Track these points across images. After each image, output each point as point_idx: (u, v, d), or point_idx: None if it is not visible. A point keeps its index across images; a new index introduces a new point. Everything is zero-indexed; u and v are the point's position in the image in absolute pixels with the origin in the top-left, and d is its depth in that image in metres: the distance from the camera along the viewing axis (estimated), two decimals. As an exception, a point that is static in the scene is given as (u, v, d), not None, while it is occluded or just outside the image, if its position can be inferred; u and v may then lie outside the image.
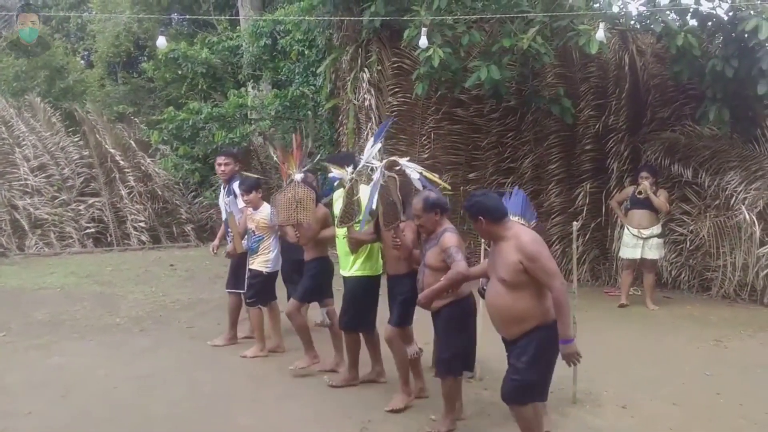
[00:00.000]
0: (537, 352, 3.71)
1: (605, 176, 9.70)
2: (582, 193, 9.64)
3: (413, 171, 4.68)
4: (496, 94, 9.03)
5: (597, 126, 9.71)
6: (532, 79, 9.56)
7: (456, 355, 4.47)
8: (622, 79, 9.61)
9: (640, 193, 8.10)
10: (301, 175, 5.26)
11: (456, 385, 4.55)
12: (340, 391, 5.25)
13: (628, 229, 8.23)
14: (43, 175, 12.84)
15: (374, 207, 4.62)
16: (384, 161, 4.71)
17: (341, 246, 5.26)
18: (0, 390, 5.17)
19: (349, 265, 5.24)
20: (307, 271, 5.65)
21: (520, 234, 3.71)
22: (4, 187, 12.39)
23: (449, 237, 4.37)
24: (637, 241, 8.09)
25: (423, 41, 7.80)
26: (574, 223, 5.52)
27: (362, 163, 4.83)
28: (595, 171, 9.80)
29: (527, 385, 3.77)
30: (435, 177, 4.78)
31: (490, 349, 5.58)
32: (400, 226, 4.69)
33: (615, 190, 9.36)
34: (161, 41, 9.49)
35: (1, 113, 13.31)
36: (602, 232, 9.71)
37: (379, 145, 4.89)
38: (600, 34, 7.44)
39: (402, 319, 4.92)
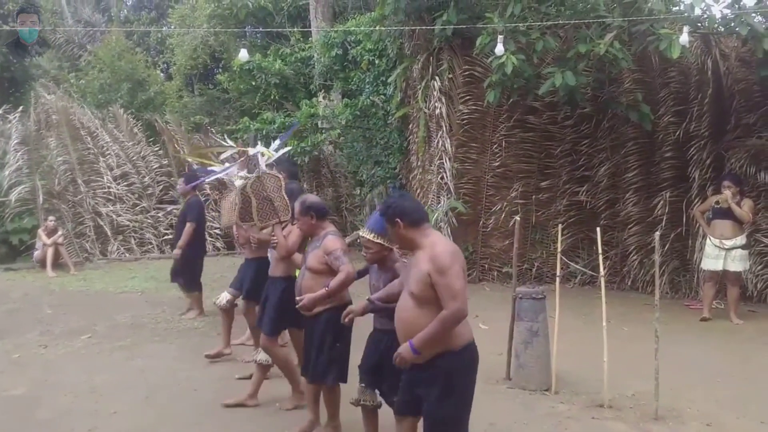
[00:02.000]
0: (447, 383, 3.27)
1: (686, 185, 9.35)
2: (661, 202, 9.32)
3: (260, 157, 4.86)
4: (571, 101, 8.87)
5: (678, 133, 9.37)
6: (608, 85, 9.33)
7: (333, 360, 4.27)
8: (705, 84, 9.24)
9: (717, 203, 7.78)
10: (241, 181, 4.98)
11: (336, 391, 4.39)
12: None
13: (710, 239, 7.92)
14: (125, 183, 13.42)
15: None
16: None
17: None
18: (87, 390, 5.40)
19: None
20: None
21: (436, 243, 3.32)
22: (89, 194, 12.99)
23: (332, 240, 4.27)
24: (720, 252, 7.77)
25: (499, 48, 7.74)
26: (657, 233, 5.30)
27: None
28: (676, 179, 9.46)
29: (441, 422, 3.30)
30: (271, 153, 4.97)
31: (566, 363, 5.49)
32: (284, 227, 4.79)
33: (697, 200, 9.02)
34: (243, 53, 9.81)
35: (87, 124, 13.94)
36: (683, 243, 9.36)
37: (284, 150, 5.17)
38: (684, 38, 7.20)
39: (272, 327, 4.89)
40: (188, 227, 7.62)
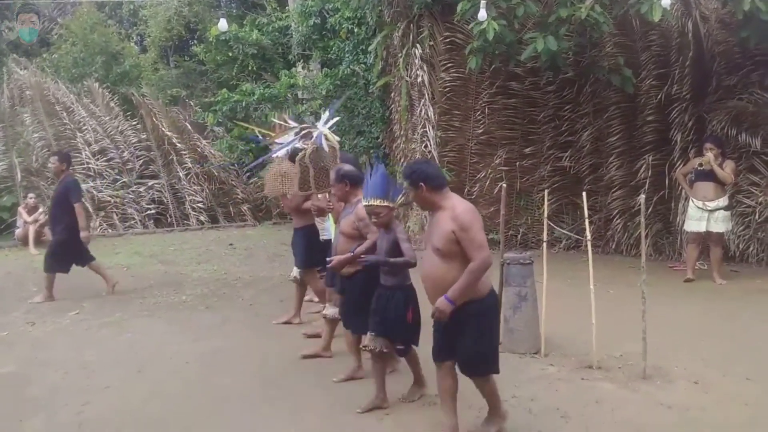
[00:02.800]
0: (484, 324, 3.79)
1: (668, 148, 9.40)
2: (644, 166, 9.39)
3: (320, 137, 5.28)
4: (553, 66, 8.85)
5: (659, 96, 9.40)
6: (590, 49, 9.33)
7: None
8: (686, 46, 9.25)
9: (700, 165, 7.85)
10: (284, 151, 5.62)
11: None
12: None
13: (693, 201, 8.00)
14: (104, 158, 13.22)
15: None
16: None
17: None
18: (79, 366, 5.37)
19: None
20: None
21: (456, 204, 3.70)
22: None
23: (363, 208, 4.34)
24: (702, 214, 7.86)
25: (482, 14, 7.66)
26: (642, 196, 5.33)
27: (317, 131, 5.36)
28: (658, 143, 9.51)
29: (486, 356, 3.85)
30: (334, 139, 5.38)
31: (554, 327, 5.56)
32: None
33: (679, 162, 9.09)
34: (222, 23, 9.65)
35: (62, 99, 13.70)
36: (665, 206, 9.45)
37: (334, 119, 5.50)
38: (666, 0, 7.17)
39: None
40: (78, 207, 7.53)
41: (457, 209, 3.64)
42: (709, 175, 7.81)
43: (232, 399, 4.66)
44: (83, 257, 7.72)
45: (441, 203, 3.72)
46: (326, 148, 5.32)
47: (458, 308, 3.65)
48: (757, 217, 8.66)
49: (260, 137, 6.73)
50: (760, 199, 8.63)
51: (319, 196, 5.54)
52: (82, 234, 7.58)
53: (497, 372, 3.93)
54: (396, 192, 4.21)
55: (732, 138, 8.90)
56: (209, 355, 5.57)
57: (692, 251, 8.10)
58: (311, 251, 6.08)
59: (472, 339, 3.73)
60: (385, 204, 4.14)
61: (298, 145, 5.45)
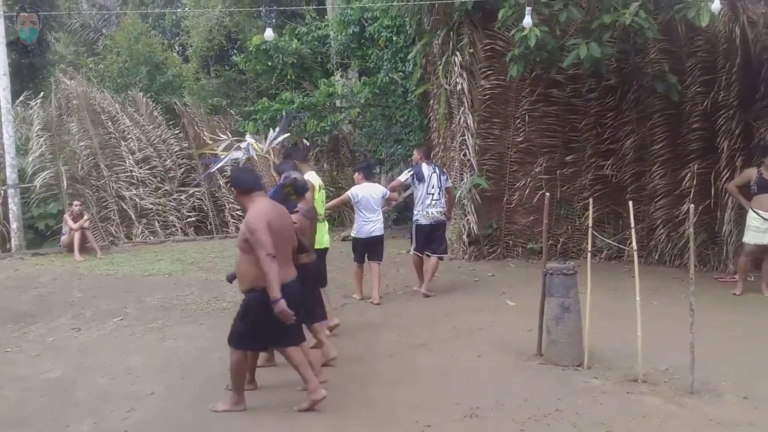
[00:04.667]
0: (246, 309, 4.49)
1: (714, 156, 9.15)
2: (689, 175, 9.17)
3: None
4: (596, 73, 8.74)
5: (705, 103, 9.17)
6: (634, 55, 9.15)
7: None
8: (733, 52, 9.01)
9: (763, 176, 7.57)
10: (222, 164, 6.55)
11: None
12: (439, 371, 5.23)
13: (756, 213, 7.65)
14: (147, 166, 13.50)
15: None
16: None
17: None
18: (123, 372, 5.47)
19: None
20: None
21: (252, 208, 4.36)
22: (112, 179, 13.09)
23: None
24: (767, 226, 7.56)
25: (527, 21, 7.58)
26: (690, 205, 5.21)
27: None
28: (704, 151, 9.26)
29: (235, 333, 4.53)
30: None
31: (597, 339, 5.46)
32: None
33: (726, 171, 8.87)
34: (269, 33, 9.79)
35: (108, 108, 14.01)
36: (711, 215, 9.21)
37: (282, 137, 6.09)
38: (715, 4, 7.01)
39: None
40: None
41: (249, 212, 4.34)
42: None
43: (273, 406, 4.69)
44: None
45: (248, 205, 4.41)
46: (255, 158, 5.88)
47: (245, 292, 4.49)
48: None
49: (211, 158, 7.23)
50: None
51: None
52: None
53: (241, 348, 4.53)
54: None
55: (781, 146, 8.64)
56: (251, 363, 5.61)
57: (747, 264, 7.84)
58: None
59: (240, 319, 4.53)
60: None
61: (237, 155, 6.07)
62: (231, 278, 4.78)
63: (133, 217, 12.77)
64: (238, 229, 13.09)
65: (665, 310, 6.77)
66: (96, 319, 7.13)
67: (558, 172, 9.80)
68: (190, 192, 13.54)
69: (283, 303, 4.23)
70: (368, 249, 7.64)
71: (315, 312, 5.43)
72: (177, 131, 14.62)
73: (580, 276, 5.48)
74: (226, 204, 13.57)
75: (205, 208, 13.52)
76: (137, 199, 12.92)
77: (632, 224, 5.39)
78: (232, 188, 4.58)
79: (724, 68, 9.11)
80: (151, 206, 12.98)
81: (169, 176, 13.61)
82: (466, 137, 9.67)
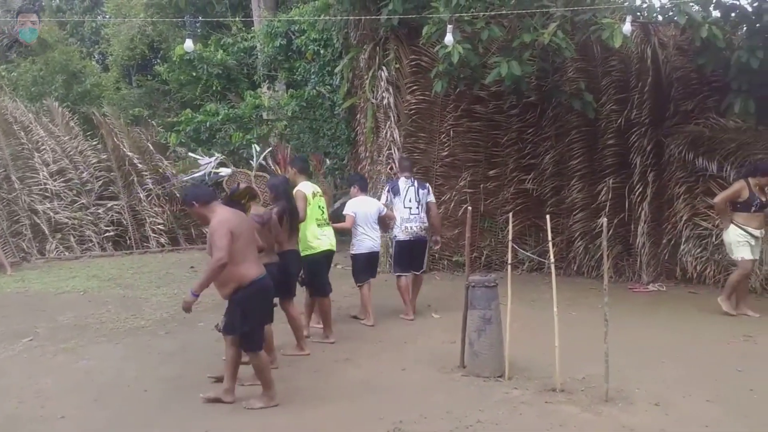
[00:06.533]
0: (243, 309, 4.70)
1: (628, 171, 9.59)
2: (605, 189, 9.55)
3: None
4: (517, 90, 8.97)
5: (619, 120, 9.61)
6: (552, 74, 9.48)
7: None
8: (645, 72, 9.49)
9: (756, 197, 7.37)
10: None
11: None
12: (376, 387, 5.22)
13: (746, 230, 7.37)
14: (62, 179, 12.93)
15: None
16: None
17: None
18: (33, 394, 5.18)
19: None
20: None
21: (215, 217, 4.66)
22: (24, 192, 12.48)
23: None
24: (756, 242, 7.44)
25: (448, 38, 7.72)
26: (603, 219, 5.40)
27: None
28: (618, 166, 9.70)
29: (246, 337, 4.76)
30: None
31: (518, 349, 5.57)
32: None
33: (638, 185, 9.28)
34: (188, 44, 9.56)
35: (20, 118, 13.38)
36: (625, 228, 9.62)
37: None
38: (626, 27, 7.35)
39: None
40: None
41: (214, 221, 4.63)
42: (766, 204, 7.48)
43: (194, 428, 4.54)
44: None
45: (209, 215, 4.69)
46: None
47: (229, 296, 4.71)
48: (713, 239, 8.84)
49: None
50: (716, 221, 8.81)
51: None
52: None
53: (259, 349, 4.80)
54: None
55: (689, 162, 9.12)
56: (170, 382, 5.44)
57: (746, 282, 7.59)
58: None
59: (240, 320, 4.70)
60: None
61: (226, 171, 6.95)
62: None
63: (47, 231, 12.20)
64: (159, 243, 12.82)
65: (583, 320, 6.97)
66: (4, 340, 6.73)
67: (482, 186, 10.01)
68: (109, 205, 13.05)
69: (194, 299, 4.57)
70: (369, 266, 7.30)
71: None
72: (95, 142, 14.10)
73: (501, 288, 5.58)
74: (146, 218, 13.15)
75: (125, 222, 13.06)
76: (51, 213, 12.36)
77: (549, 237, 5.53)
78: (192, 203, 4.76)
79: (637, 87, 9.57)
80: (67, 220, 12.44)
81: (86, 189, 13.09)
82: (393, 151, 9.75)
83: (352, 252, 7.31)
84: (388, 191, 7.52)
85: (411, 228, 7.39)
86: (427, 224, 7.49)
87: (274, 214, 5.82)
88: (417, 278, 7.57)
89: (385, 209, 7.36)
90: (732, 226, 7.43)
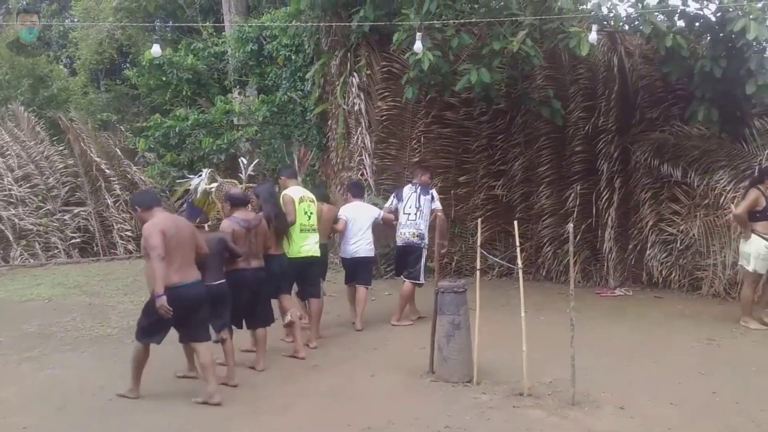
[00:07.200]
0: (147, 307, 5.04)
1: (595, 177, 9.72)
2: (573, 195, 9.67)
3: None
4: (486, 97, 9.06)
5: (587, 127, 9.75)
6: (521, 81, 9.59)
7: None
8: (611, 80, 9.65)
9: None
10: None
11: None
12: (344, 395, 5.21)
13: (763, 239, 7.07)
14: (27, 185, 12.70)
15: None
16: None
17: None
18: (-6, 404, 5.08)
19: None
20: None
21: (149, 220, 4.93)
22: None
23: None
24: None
25: (418, 46, 7.78)
26: (570, 225, 5.47)
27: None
28: (586, 172, 9.83)
29: (139, 327, 5.15)
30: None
31: (487, 354, 5.61)
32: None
33: (605, 191, 9.41)
34: (156, 49, 9.43)
35: (-16, 123, 13.13)
36: (593, 233, 9.74)
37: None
38: (593, 36, 7.48)
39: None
40: None
41: (146, 224, 4.92)
42: None
43: (159, 436, 4.50)
44: None
45: (149, 219, 4.95)
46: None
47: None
48: (678, 244, 9.01)
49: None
50: (681, 227, 8.98)
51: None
52: None
53: (147, 341, 5.11)
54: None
55: (654, 168, 9.27)
56: (135, 391, 5.36)
57: (753, 293, 7.33)
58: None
59: (145, 313, 5.12)
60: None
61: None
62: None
63: (11, 238, 11.94)
64: (126, 250, 12.67)
65: (551, 325, 7.04)
66: (-35, 349, 6.60)
67: (452, 191, 10.06)
68: (75, 212, 12.84)
69: (163, 299, 4.71)
70: (353, 271, 7.46)
71: (262, 317, 5.95)
72: (62, 148, 13.86)
73: (471, 293, 5.62)
74: (114, 224, 12.96)
75: (92, 229, 12.86)
76: (16, 219, 12.09)
77: (518, 243, 5.59)
78: (135, 208, 5.16)
79: (604, 95, 9.72)
80: (32, 227, 12.19)
81: (52, 195, 12.86)
82: (364, 157, 9.77)
83: (340, 255, 7.74)
84: (394, 196, 7.76)
85: (404, 234, 7.49)
86: (421, 231, 7.42)
87: (263, 219, 5.97)
88: (405, 285, 7.56)
89: (382, 215, 7.58)
90: (755, 237, 7.11)
